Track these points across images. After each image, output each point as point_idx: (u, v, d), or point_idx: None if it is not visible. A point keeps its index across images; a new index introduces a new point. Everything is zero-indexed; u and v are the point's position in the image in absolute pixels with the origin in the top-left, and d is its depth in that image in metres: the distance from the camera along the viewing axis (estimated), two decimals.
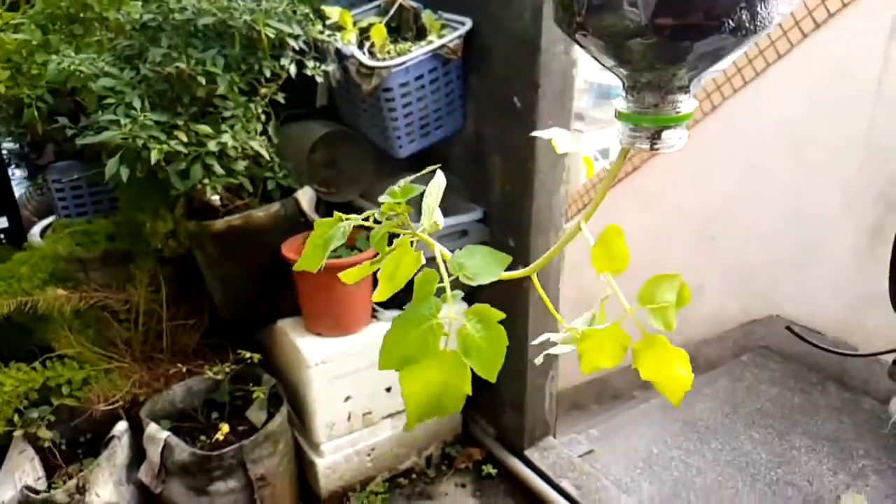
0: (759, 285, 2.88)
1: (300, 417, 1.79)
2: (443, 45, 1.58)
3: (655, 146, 0.45)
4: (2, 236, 2.23)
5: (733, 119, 2.86)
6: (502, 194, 1.71)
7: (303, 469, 1.80)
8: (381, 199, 0.54)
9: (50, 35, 1.79)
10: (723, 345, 3.01)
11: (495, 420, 1.98)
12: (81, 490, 1.51)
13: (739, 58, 2.74)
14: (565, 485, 1.78)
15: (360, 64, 1.54)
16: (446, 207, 1.91)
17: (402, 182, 0.54)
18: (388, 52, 1.61)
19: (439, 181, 0.55)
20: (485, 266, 0.51)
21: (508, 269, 0.57)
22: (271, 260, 1.70)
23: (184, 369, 1.65)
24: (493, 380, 0.47)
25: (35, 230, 2.06)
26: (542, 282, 1.70)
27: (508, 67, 1.61)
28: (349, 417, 1.77)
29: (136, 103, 1.41)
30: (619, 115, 0.46)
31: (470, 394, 0.47)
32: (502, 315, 0.48)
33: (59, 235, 1.62)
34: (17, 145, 1.90)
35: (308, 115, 1.82)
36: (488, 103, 1.69)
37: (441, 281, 0.49)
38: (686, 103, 0.45)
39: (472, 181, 1.78)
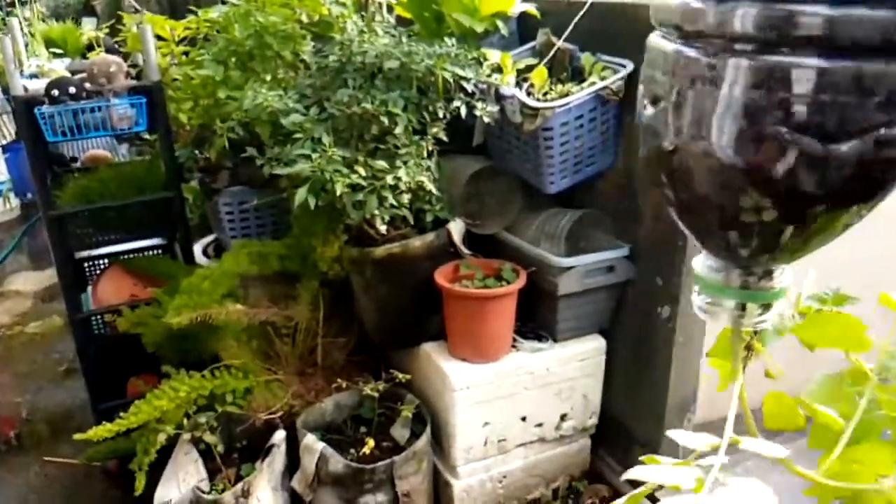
0: None
1: (437, 439, 1.85)
2: (605, 87, 1.63)
3: None
4: (159, 251, 2.46)
5: None
6: (653, 232, 1.73)
7: (437, 490, 1.85)
8: None
9: (230, 71, 1.97)
10: None
11: (625, 459, 1.97)
12: (246, 494, 1.62)
13: None
14: None
15: (524, 105, 1.62)
16: (592, 243, 1.92)
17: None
18: (548, 93, 1.68)
19: None
20: None
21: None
22: (421, 286, 1.79)
23: (343, 384, 1.74)
24: None
25: (196, 248, 2.25)
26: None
27: None
28: (485, 443, 1.81)
29: (325, 139, 1.54)
30: None
31: None
32: None
33: (238, 255, 1.77)
34: (193, 171, 2.09)
35: (459, 151, 1.91)
36: None
37: None
38: None
39: (620, 218, 1.81)
